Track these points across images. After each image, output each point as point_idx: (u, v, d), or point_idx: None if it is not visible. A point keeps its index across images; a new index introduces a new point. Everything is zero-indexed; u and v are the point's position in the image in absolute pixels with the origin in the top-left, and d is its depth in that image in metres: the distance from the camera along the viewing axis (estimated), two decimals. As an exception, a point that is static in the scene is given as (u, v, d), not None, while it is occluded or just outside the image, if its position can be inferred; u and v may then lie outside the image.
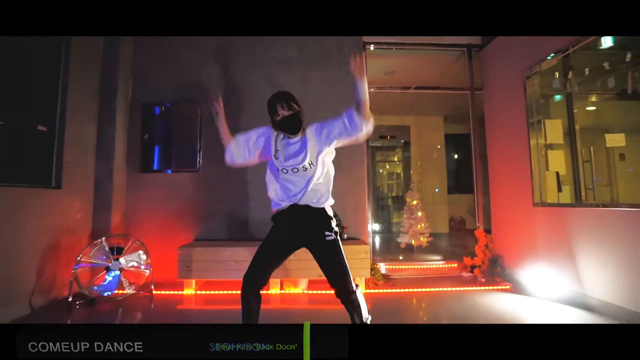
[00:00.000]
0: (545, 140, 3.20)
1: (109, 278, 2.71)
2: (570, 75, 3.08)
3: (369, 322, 1.60)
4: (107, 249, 2.76)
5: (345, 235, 3.26)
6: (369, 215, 3.56)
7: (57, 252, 2.77)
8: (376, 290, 3.06)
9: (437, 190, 6.09)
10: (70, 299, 2.60)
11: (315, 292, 3.02)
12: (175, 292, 3.02)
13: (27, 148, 2.65)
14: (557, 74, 3.15)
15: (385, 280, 3.27)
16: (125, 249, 2.84)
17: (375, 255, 4.40)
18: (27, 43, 2.62)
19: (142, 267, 2.85)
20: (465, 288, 3.12)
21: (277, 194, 1.64)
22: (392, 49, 3.81)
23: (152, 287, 2.88)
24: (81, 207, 3.07)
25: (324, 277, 1.63)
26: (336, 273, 1.57)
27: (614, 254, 2.30)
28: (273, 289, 3.04)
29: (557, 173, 3.20)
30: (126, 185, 3.41)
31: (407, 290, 3.08)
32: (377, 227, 6.92)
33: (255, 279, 1.57)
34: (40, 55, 2.76)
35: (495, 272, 3.37)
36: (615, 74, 3.07)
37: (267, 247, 1.63)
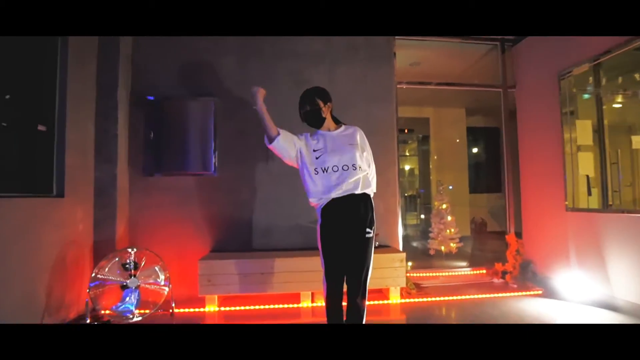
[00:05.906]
0: (577, 141, 3.45)
1: (128, 297, 2.70)
2: (602, 78, 3.27)
3: None
4: (121, 264, 2.74)
5: (377, 243, 3.38)
6: (400, 220, 3.69)
7: (64, 268, 2.70)
8: (411, 300, 3.23)
9: (450, 187, 6.24)
10: (88, 321, 2.57)
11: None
12: (197, 310, 3.04)
13: (26, 152, 2.55)
14: (590, 79, 3.37)
15: (417, 289, 3.44)
16: (142, 263, 2.81)
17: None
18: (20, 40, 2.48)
19: (162, 283, 2.85)
20: (498, 295, 3.35)
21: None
22: (419, 40, 3.89)
23: (174, 304, 2.89)
24: (83, 217, 2.99)
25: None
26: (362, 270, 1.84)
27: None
28: (304, 302, 3.12)
29: (587, 176, 3.47)
30: (130, 190, 3.34)
31: (442, 298, 3.27)
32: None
33: None
34: (35, 52, 2.62)
35: (526, 278, 3.63)
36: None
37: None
